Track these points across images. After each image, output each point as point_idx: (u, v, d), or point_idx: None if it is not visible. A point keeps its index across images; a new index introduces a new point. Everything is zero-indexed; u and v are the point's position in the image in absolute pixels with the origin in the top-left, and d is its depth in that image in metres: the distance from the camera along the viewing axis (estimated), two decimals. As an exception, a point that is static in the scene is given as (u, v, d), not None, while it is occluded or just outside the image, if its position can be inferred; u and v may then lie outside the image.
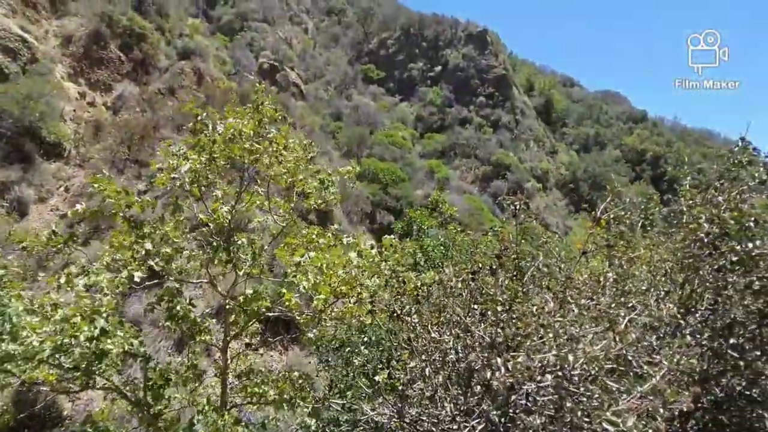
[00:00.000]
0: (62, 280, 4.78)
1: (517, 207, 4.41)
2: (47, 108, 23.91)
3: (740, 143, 4.85)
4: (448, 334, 4.12)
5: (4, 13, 26.27)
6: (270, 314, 8.11)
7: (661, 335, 4.31)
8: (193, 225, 11.00)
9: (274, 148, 7.61)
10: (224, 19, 58.34)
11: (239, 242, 8.25)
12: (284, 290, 7.50)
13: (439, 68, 66.24)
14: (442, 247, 11.36)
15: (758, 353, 4.41)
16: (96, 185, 6.85)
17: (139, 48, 32.44)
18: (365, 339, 8.49)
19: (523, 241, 4.93)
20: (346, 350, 8.66)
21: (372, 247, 7.53)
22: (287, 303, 7.38)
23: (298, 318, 7.56)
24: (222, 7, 60.37)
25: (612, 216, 5.09)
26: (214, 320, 10.07)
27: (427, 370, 4.17)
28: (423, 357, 4.25)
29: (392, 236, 7.66)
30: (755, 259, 4.48)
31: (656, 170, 72.66)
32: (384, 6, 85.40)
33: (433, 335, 4.07)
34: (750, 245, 4.41)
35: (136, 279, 5.53)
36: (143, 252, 6.10)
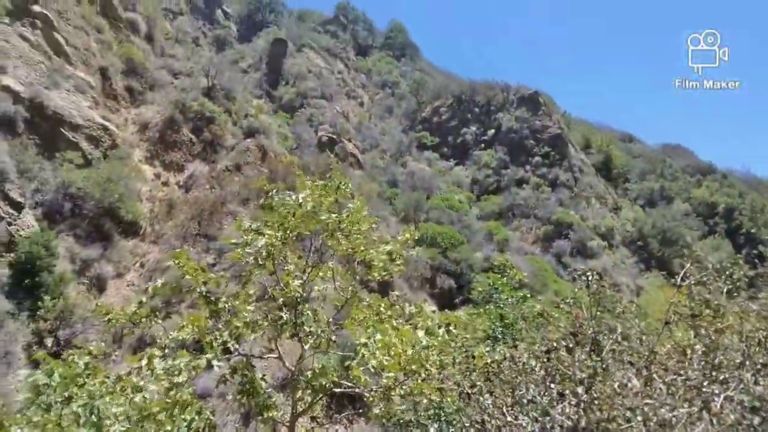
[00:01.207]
0: (143, 362, 4.98)
1: (589, 278, 4.27)
2: (125, 189, 25.79)
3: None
4: (523, 415, 3.92)
5: (89, 105, 29.07)
6: (337, 390, 8.03)
7: (764, 415, 3.93)
8: (260, 296, 11.28)
9: (346, 224, 7.83)
10: (285, 98, 62.04)
11: (305, 315, 8.32)
12: (353, 364, 7.46)
13: (492, 131, 66.82)
14: (520, 320, 10.99)
15: None
16: (176, 261, 7.22)
17: (209, 129, 34.85)
18: (435, 419, 8.20)
19: (598, 312, 4.73)
20: (416, 430, 8.38)
21: (433, 314, 7.44)
22: (355, 379, 7.31)
23: (366, 394, 7.44)
24: (283, 87, 64.32)
25: (694, 282, 4.81)
26: (281, 395, 10.07)
27: (505, 453, 3.96)
28: (500, 439, 4.05)
29: (461, 312, 7.52)
30: None
31: (731, 223, 68.63)
32: (435, 76, 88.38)
33: (509, 418, 3.89)
34: None
35: (216, 369, 5.69)
36: (221, 340, 6.29)
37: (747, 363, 4.48)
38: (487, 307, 12.72)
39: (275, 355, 8.37)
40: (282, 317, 7.72)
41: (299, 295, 7.96)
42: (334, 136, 52.54)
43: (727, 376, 4.42)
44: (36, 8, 29.19)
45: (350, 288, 8.63)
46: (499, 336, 10.88)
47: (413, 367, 6.05)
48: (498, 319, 11.46)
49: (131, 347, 19.39)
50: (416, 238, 9.03)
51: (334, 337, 8.38)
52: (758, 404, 3.94)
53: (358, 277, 8.72)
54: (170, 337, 5.85)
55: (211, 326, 6.75)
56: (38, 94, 25.67)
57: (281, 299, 8.04)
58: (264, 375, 8.10)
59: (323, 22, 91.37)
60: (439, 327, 6.90)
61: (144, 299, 7.07)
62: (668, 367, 4.44)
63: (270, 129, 40.30)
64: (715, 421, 3.19)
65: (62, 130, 26.16)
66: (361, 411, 16.36)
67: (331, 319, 8.87)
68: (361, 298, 8.92)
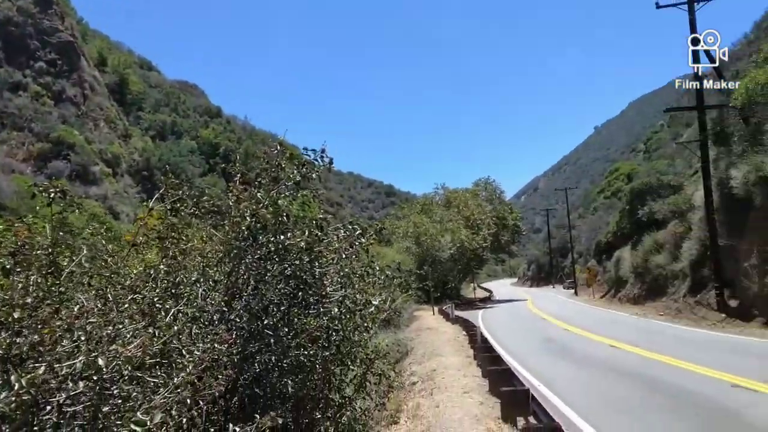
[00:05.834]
0: None
1: (53, 194, 3.85)
2: None
3: (277, 149, 5.56)
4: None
5: None
6: None
7: (205, 324, 4.52)
8: None
9: None
10: None
11: None
12: None
13: (-17, 17, 53.06)
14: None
15: (287, 330, 5.15)
16: None
17: None
18: None
19: (65, 234, 4.36)
20: None
21: None
22: None
23: None
24: None
25: (169, 207, 5.04)
26: None
27: None
28: None
29: None
30: (287, 249, 5.22)
31: (228, 164, 78.21)
32: None
33: None
34: (282, 237, 5.11)
35: None
36: None
37: (201, 280, 5.07)
38: None
39: None
40: None
41: None
42: None
43: (184, 292, 4.87)
44: None
45: None
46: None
47: None
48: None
49: None
50: None
51: None
52: (198, 314, 4.52)
53: None
54: None
55: None
56: None
57: None
58: None
59: None
60: None
61: None
62: (134, 288, 4.52)
63: None
64: (159, 332, 3.41)
65: None
66: None
67: None
68: None
